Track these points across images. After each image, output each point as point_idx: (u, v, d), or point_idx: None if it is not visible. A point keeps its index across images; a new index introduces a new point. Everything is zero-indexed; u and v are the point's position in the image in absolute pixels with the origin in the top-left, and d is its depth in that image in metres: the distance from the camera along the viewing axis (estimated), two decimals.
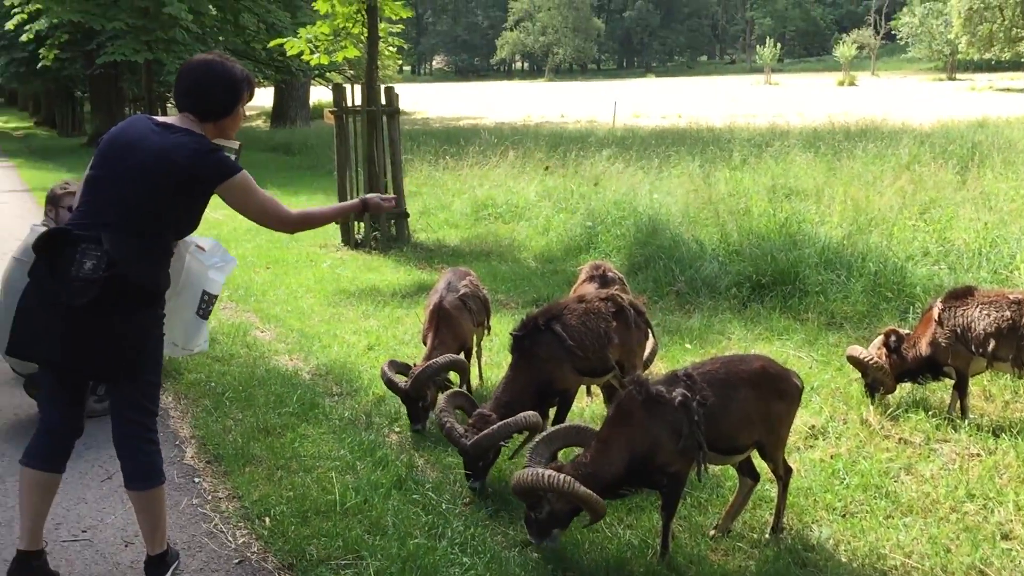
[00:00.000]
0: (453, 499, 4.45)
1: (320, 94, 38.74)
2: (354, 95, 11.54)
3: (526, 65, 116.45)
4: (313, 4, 12.20)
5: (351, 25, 11.60)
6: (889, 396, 5.62)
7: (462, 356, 5.55)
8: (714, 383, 3.87)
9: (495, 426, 4.35)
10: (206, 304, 4.56)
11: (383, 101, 11.32)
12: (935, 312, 5.49)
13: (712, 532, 4.10)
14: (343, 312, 8.11)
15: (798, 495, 4.41)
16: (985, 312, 5.31)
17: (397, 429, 5.38)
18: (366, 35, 11.49)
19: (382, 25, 11.89)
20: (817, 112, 27.58)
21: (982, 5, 50.59)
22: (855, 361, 5.61)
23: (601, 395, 5.67)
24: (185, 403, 5.85)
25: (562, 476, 3.60)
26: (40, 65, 25.61)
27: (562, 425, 4.26)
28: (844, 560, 3.91)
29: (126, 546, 4.06)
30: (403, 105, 11.85)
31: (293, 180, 18.36)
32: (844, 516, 4.29)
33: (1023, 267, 7.92)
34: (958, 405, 5.44)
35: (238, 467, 4.81)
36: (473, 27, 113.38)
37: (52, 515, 3.74)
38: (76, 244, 3.23)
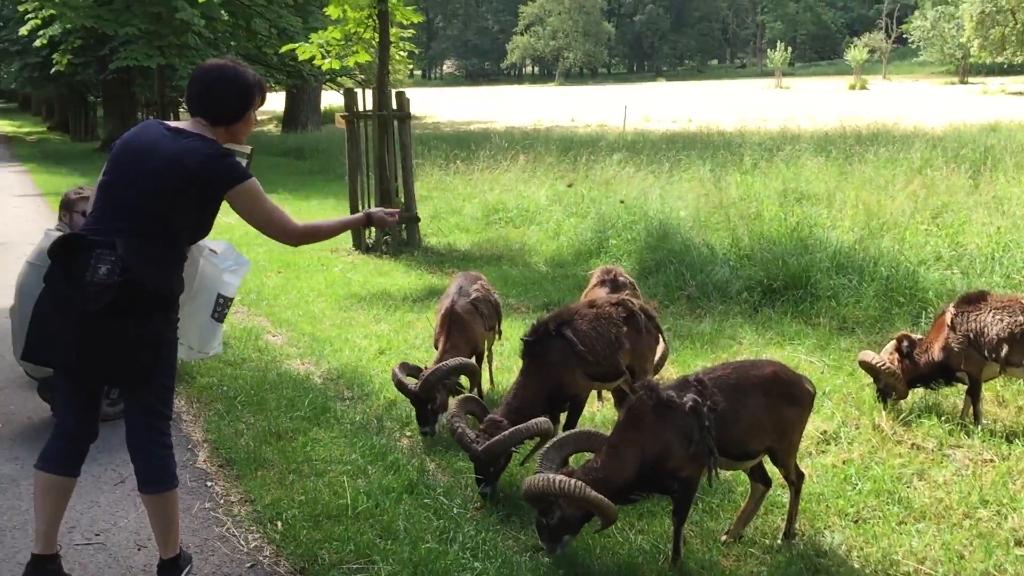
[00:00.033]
0: (464, 504, 4.45)
1: (331, 98, 38.81)
2: (365, 99, 11.58)
3: (536, 69, 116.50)
4: (325, 9, 12.25)
5: (362, 30, 11.64)
6: (901, 401, 5.60)
7: (473, 360, 5.56)
8: (725, 388, 3.86)
9: (506, 432, 4.36)
10: (221, 307, 4.58)
11: (394, 105, 11.36)
12: (948, 317, 5.47)
13: (724, 537, 4.09)
14: (354, 316, 8.13)
15: (810, 501, 4.40)
16: (998, 317, 5.29)
17: (408, 433, 5.39)
18: (377, 40, 11.53)
19: (393, 30, 11.93)
20: (828, 116, 27.47)
21: (994, 8, 50.34)
22: (867, 366, 5.59)
23: (611, 400, 5.68)
24: (197, 407, 5.88)
25: (573, 481, 3.60)
26: (53, 70, 25.78)
27: (573, 431, 4.26)
28: (857, 566, 3.89)
29: (139, 550, 4.08)
30: (414, 109, 11.89)
31: (304, 184, 18.41)
32: (856, 522, 4.27)
33: None
34: (971, 410, 5.41)
35: (250, 471, 4.83)
36: (483, 31, 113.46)
37: (66, 518, 3.76)
38: (91, 249, 3.25)
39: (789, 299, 7.90)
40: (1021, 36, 49.58)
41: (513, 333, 6.83)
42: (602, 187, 13.31)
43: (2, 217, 14.32)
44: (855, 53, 67.73)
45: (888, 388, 5.55)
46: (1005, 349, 5.20)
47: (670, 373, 6.25)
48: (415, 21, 12.09)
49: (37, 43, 23.12)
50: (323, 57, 11.92)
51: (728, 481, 4.61)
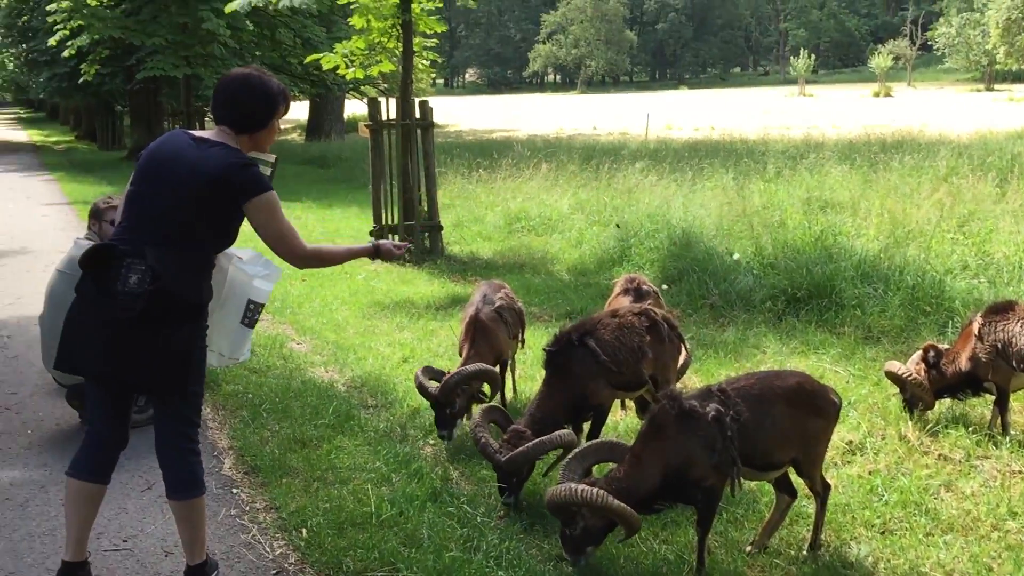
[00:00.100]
0: (488, 512, 4.46)
1: (354, 107, 39.05)
2: (389, 109, 11.65)
3: (558, 78, 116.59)
4: (349, 19, 12.33)
5: (386, 40, 11.71)
6: (928, 412, 5.55)
7: (496, 368, 5.57)
8: (749, 399, 3.85)
9: (530, 443, 4.37)
10: (251, 313, 4.61)
11: (417, 114, 11.41)
12: (975, 327, 5.42)
13: (749, 548, 4.07)
14: (377, 324, 8.17)
15: (836, 511, 4.37)
16: None
17: (432, 441, 5.40)
18: (401, 49, 11.60)
19: (416, 39, 11.99)
20: (852, 123, 27.34)
21: (1020, 15, 49.92)
22: (893, 377, 5.55)
23: (634, 408, 5.67)
24: (223, 414, 5.93)
25: (596, 490, 3.60)
26: (81, 80, 26.04)
27: (595, 441, 4.26)
28: None
29: (166, 556, 4.12)
30: (436, 118, 11.94)
31: (328, 193, 18.52)
32: (883, 533, 4.24)
33: None
34: (999, 421, 5.36)
35: (275, 478, 4.86)
36: (506, 40, 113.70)
37: (94, 525, 3.80)
38: (121, 259, 3.30)
39: (813, 308, 7.86)
40: None
41: (536, 342, 6.84)
42: (624, 195, 13.30)
43: (31, 225, 14.50)
44: (879, 60, 67.29)
45: (915, 399, 5.50)
46: None
47: (693, 382, 6.24)
48: (438, 31, 12.15)
49: (65, 53, 23.41)
50: (347, 67, 11.99)
51: (753, 491, 4.59)
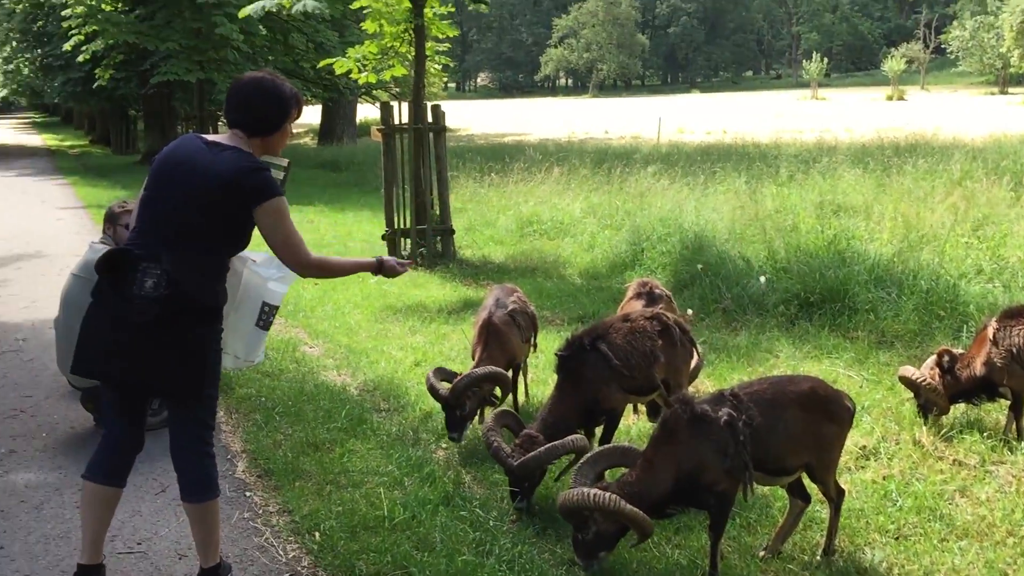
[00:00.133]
0: (500, 516, 4.46)
1: (366, 111, 39.15)
2: (401, 113, 11.68)
3: (570, 81, 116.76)
4: (361, 24, 12.40)
5: (399, 44, 11.76)
6: (943, 417, 5.52)
7: (508, 372, 5.57)
8: (761, 403, 3.84)
9: (542, 448, 4.37)
10: (266, 315, 4.63)
11: (430, 119, 11.43)
12: (990, 331, 5.39)
13: (762, 553, 4.06)
14: (390, 328, 8.19)
15: (850, 517, 4.35)
16: None
17: (444, 445, 5.41)
18: (413, 54, 11.63)
19: (429, 44, 12.02)
20: (865, 127, 27.22)
21: None
22: (907, 382, 5.52)
23: (645, 412, 5.67)
24: (236, 417, 5.95)
25: (608, 494, 3.60)
26: (96, 85, 26.26)
27: (607, 445, 4.26)
28: None
29: (180, 559, 4.14)
30: (448, 122, 11.96)
31: (340, 196, 18.57)
32: (897, 539, 4.22)
33: None
34: (1014, 426, 5.33)
35: (288, 481, 4.87)
36: (517, 44, 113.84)
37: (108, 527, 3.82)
38: (136, 263, 3.32)
39: (826, 312, 7.83)
40: None
41: (548, 346, 6.84)
42: (636, 199, 13.29)
43: (45, 229, 14.59)
44: (892, 64, 67.04)
45: (929, 403, 5.47)
46: None
47: (706, 386, 6.23)
48: (450, 35, 12.18)
49: (80, 58, 23.64)
50: (359, 71, 12.04)
51: (766, 496, 4.58)
